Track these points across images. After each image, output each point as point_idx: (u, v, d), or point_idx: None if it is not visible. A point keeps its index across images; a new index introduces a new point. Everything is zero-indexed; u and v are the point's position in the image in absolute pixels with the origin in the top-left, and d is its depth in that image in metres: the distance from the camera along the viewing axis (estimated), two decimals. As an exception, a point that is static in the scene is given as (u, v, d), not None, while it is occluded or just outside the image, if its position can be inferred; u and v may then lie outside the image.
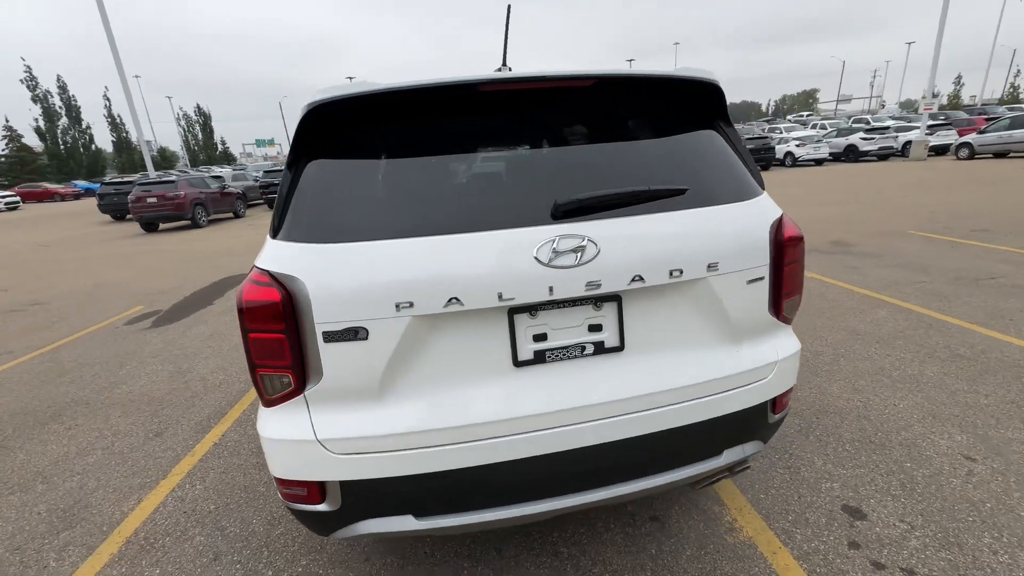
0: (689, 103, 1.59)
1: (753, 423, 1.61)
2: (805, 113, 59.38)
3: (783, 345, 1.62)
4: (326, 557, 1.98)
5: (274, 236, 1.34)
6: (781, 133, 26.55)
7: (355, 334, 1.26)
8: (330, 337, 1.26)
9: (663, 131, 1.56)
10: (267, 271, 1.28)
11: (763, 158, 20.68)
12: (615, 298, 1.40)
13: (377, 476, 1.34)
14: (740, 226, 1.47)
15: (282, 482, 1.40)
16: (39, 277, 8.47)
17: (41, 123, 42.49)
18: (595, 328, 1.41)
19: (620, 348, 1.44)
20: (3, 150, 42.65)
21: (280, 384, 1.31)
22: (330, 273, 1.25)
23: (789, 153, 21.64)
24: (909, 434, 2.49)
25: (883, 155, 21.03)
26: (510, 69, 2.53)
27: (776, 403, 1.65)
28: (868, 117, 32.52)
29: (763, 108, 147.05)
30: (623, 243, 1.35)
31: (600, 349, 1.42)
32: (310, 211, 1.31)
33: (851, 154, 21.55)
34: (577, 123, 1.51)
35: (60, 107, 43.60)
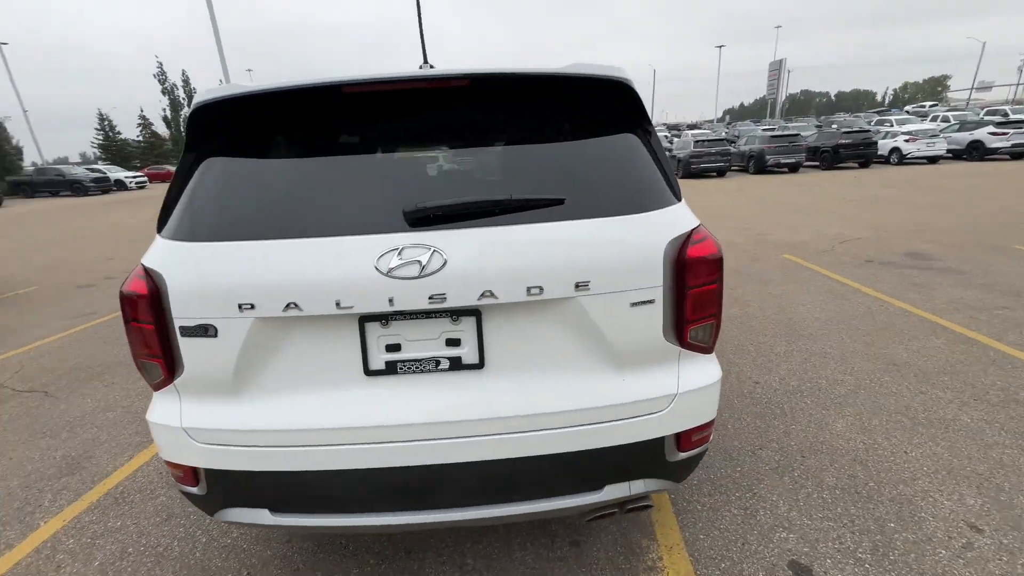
0: (591, 103, 1.44)
1: (644, 460, 1.46)
2: (928, 103, 51.92)
3: (689, 376, 1.45)
4: (254, 534, 2.10)
5: (158, 231, 1.42)
6: (891, 126, 23.48)
7: (205, 331, 1.31)
8: (186, 332, 1.32)
9: (557, 134, 1.44)
10: (143, 265, 1.36)
11: (861, 154, 18.46)
12: (474, 312, 1.32)
13: (232, 468, 1.39)
14: (624, 242, 1.32)
15: (166, 463, 1.50)
16: (142, 248, 9.73)
17: (168, 113, 48.62)
18: (453, 343, 1.35)
19: (480, 366, 1.36)
20: (138, 136, 49.52)
21: (155, 372, 1.40)
22: (185, 271, 1.30)
23: (896, 149, 19.08)
24: (909, 489, 2.13)
25: (1017, 153, 17.89)
26: (431, 67, 2.46)
27: (681, 439, 1.48)
28: (1007, 108, 27.74)
29: (878, 97, 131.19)
30: (475, 256, 1.26)
31: (457, 365, 1.36)
32: (182, 209, 1.37)
33: (976, 151, 18.57)
34: (454, 126, 1.44)
35: (184, 99, 49.56)
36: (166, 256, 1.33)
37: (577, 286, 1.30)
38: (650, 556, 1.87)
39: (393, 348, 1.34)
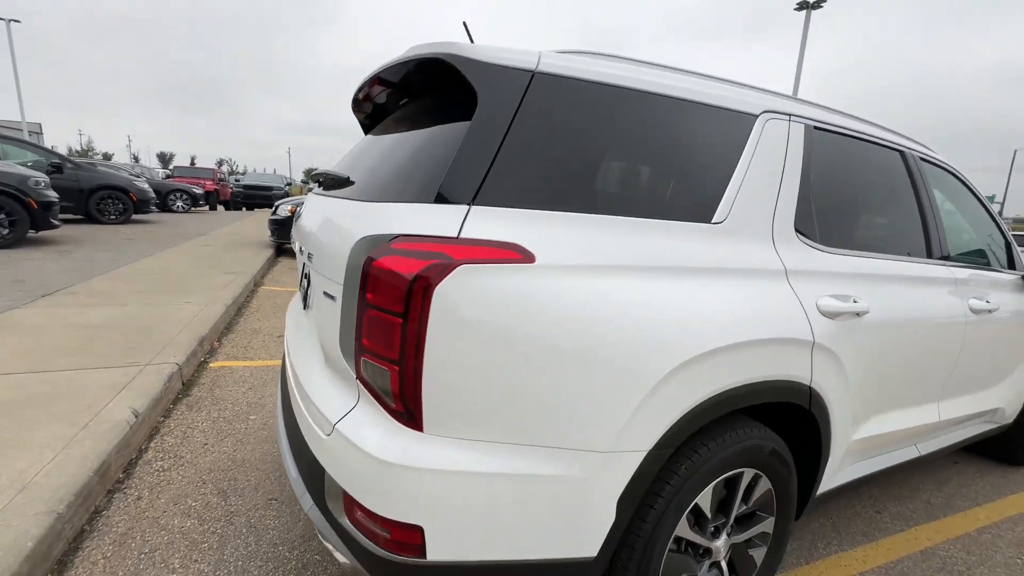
0: (432, 85, 1.45)
1: (315, 476, 1.27)
2: None
3: (362, 423, 1.12)
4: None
5: None
6: None
7: None
8: None
9: (417, 120, 1.45)
10: None
11: None
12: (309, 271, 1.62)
13: None
14: (338, 226, 1.31)
15: None
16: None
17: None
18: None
19: (307, 308, 1.70)
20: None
21: None
22: None
23: None
24: None
25: None
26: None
27: (345, 501, 1.15)
28: None
29: None
30: (312, 218, 1.61)
31: (307, 304, 1.69)
32: None
33: None
34: (380, 113, 1.88)
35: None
36: None
37: (310, 256, 1.48)
38: None
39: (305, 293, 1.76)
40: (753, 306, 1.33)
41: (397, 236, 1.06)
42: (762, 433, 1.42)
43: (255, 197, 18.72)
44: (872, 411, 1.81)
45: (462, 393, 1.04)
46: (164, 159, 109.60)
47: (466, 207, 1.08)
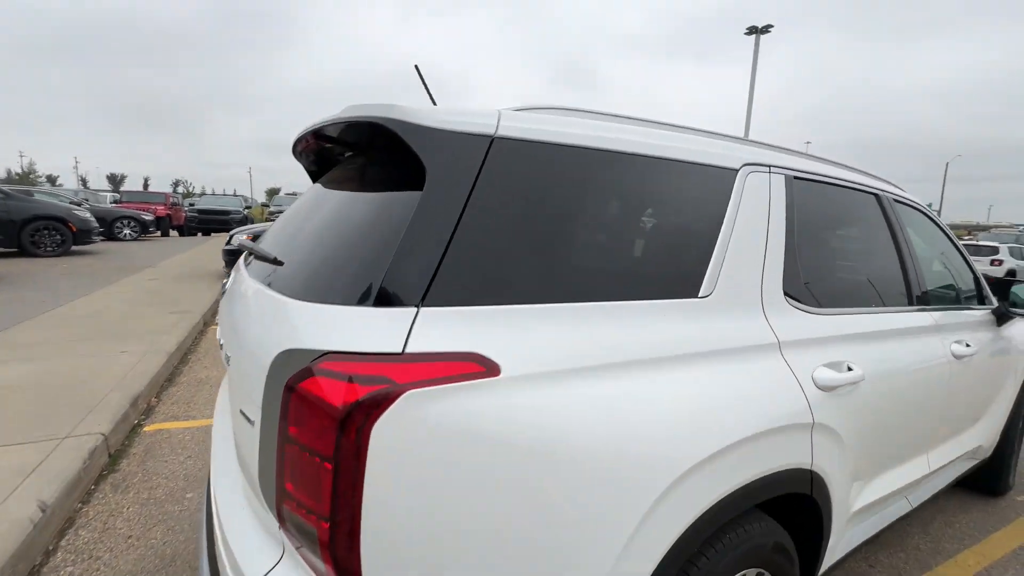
0: (386, 151, 1.19)
1: None
2: None
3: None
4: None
5: None
6: None
7: None
8: None
9: (370, 186, 1.20)
10: None
11: None
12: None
13: None
14: (263, 331, 1.04)
15: None
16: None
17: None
18: None
19: None
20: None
21: None
22: None
23: None
24: None
25: None
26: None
27: None
28: None
29: None
30: (232, 307, 1.37)
31: None
32: None
33: None
34: (324, 168, 1.67)
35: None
36: None
37: (228, 359, 1.27)
38: None
39: None
40: (751, 393, 1.18)
41: (326, 353, 0.84)
42: (764, 527, 1.26)
43: (211, 222, 17.93)
44: (868, 478, 1.69)
45: (414, 552, 0.83)
46: (115, 181, 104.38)
47: (413, 310, 0.87)
